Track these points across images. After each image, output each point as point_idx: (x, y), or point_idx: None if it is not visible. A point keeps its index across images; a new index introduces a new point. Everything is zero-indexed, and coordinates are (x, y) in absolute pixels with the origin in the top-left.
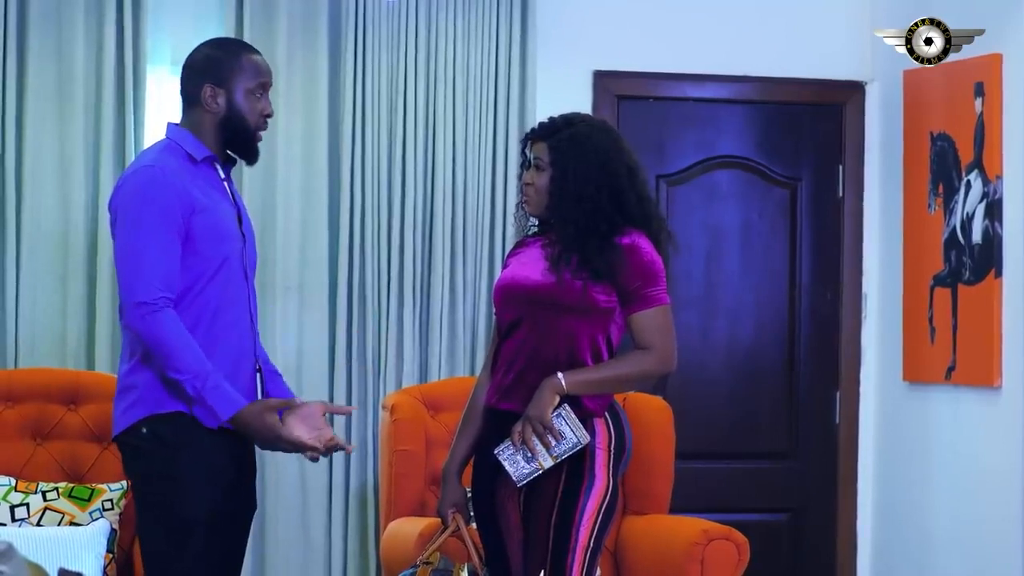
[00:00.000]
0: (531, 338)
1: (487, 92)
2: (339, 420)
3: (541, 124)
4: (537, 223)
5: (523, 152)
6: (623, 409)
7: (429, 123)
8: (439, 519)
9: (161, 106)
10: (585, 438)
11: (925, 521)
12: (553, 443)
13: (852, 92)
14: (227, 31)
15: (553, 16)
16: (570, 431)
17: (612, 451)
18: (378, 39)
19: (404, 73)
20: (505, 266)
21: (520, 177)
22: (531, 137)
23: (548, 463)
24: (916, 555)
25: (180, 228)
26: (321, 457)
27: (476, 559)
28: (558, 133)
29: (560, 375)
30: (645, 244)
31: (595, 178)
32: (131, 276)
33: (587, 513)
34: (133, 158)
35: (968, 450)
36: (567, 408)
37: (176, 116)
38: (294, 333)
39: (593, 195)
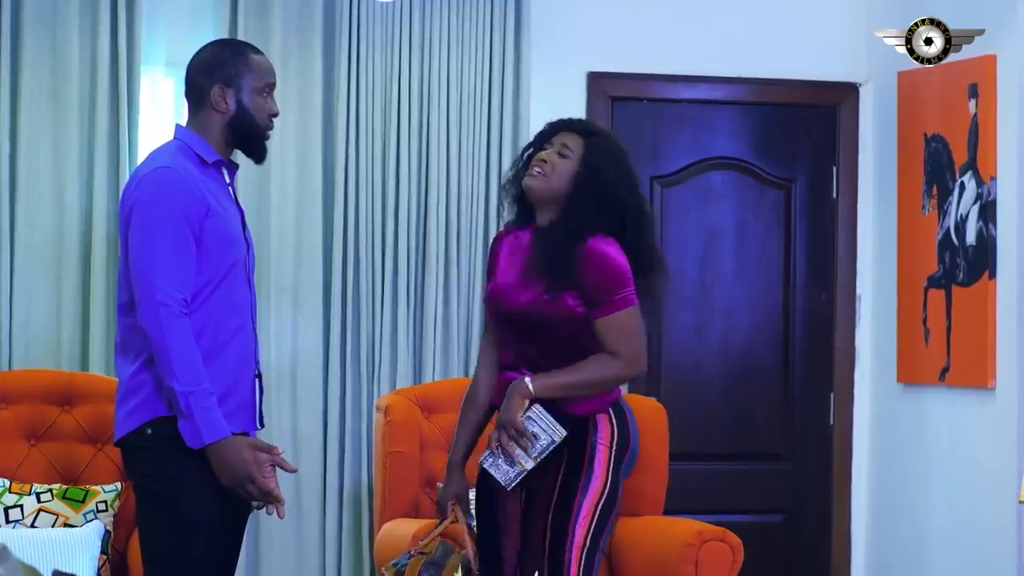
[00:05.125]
0: (528, 350)
1: (481, 93)
2: (334, 421)
3: (577, 120)
4: (515, 215)
5: (544, 134)
6: (630, 408)
7: (423, 124)
8: (436, 516)
9: (155, 107)
10: (559, 435)
11: (919, 522)
12: (529, 445)
13: (846, 93)
14: (221, 33)
15: (547, 17)
16: (542, 431)
17: (614, 447)
18: (372, 40)
19: (398, 74)
20: (494, 257)
21: (526, 153)
22: (563, 127)
23: (529, 464)
24: (910, 556)
25: (195, 231)
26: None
27: (471, 552)
28: (595, 136)
29: (527, 379)
30: (608, 248)
31: (617, 186)
32: (153, 276)
33: (583, 510)
34: (127, 159)
35: (962, 451)
36: (536, 409)
37: (170, 117)
38: (288, 334)
39: (612, 199)
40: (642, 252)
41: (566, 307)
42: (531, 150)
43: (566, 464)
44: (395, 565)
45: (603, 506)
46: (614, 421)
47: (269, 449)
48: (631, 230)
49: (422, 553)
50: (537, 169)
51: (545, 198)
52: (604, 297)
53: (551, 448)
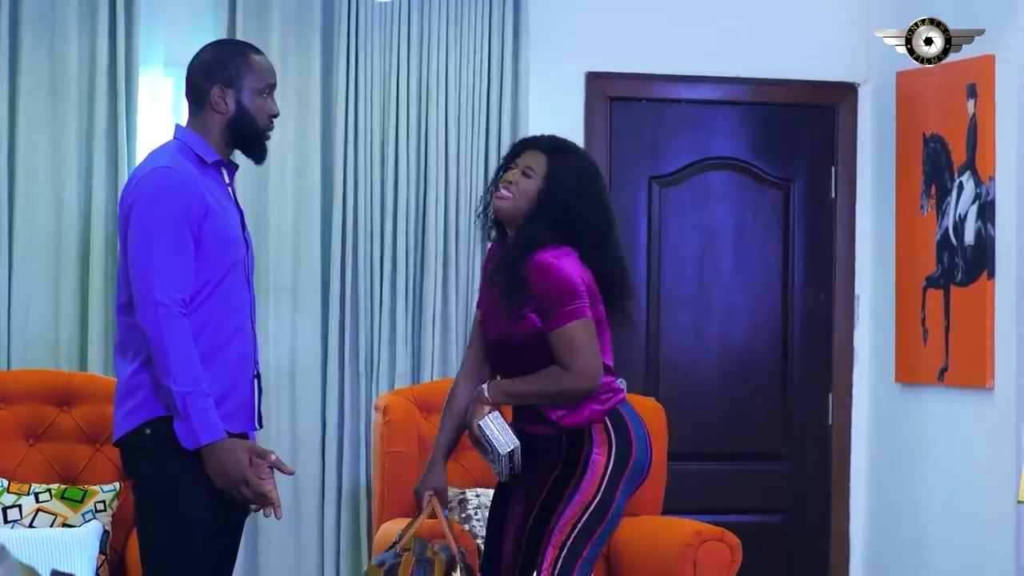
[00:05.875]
0: (513, 367)
1: (480, 93)
2: (332, 421)
3: (544, 137)
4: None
5: (511, 153)
6: (636, 415)
7: (422, 124)
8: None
9: (154, 107)
10: (506, 447)
11: (918, 522)
12: (487, 450)
13: (845, 93)
14: (220, 33)
15: (545, 18)
16: (494, 441)
17: (612, 459)
18: (371, 41)
19: (397, 74)
20: (485, 268)
21: (497, 176)
22: (528, 145)
23: (495, 468)
24: (909, 556)
25: (194, 231)
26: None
27: (454, 544)
28: (560, 154)
29: (484, 386)
30: (557, 260)
31: (577, 203)
32: (151, 275)
33: (564, 517)
34: (126, 158)
35: (961, 451)
36: (489, 420)
37: (168, 117)
38: (287, 334)
39: (571, 216)
40: (604, 270)
41: (531, 325)
42: (502, 170)
43: (558, 474)
44: (380, 563)
45: (590, 516)
46: (611, 431)
47: (264, 455)
48: (591, 247)
49: (407, 550)
50: (504, 191)
51: (512, 219)
52: (552, 309)
53: (504, 457)
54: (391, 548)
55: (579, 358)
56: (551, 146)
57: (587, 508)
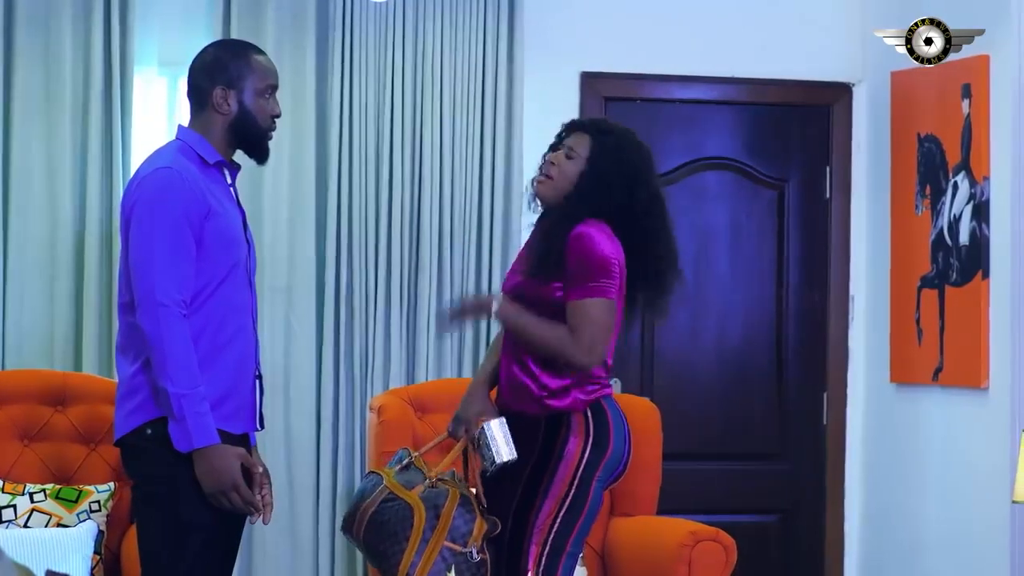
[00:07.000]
0: (510, 333)
1: (474, 94)
2: (327, 420)
3: (591, 119)
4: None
5: (559, 135)
6: (618, 410)
7: (416, 124)
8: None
9: (148, 107)
10: (502, 457)
11: (913, 522)
12: (483, 450)
13: (840, 93)
14: (215, 32)
15: (540, 17)
16: (492, 445)
17: (588, 449)
18: (366, 40)
19: (392, 74)
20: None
21: (544, 156)
22: (575, 127)
23: (485, 461)
24: (904, 556)
25: (196, 232)
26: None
27: (479, 482)
28: (605, 135)
29: (497, 298)
30: (596, 234)
31: (620, 189)
32: (152, 276)
33: (542, 515)
34: (121, 158)
35: (955, 451)
36: (494, 424)
37: (164, 116)
38: (282, 334)
39: (608, 201)
40: (639, 248)
41: (551, 291)
42: (550, 150)
43: (534, 463)
44: (409, 485)
45: (568, 509)
46: (590, 421)
47: (252, 467)
48: (630, 225)
49: (442, 480)
50: (544, 174)
51: (552, 202)
52: (580, 281)
53: (497, 464)
54: (403, 466)
55: (588, 332)
56: (596, 128)
57: (563, 503)
